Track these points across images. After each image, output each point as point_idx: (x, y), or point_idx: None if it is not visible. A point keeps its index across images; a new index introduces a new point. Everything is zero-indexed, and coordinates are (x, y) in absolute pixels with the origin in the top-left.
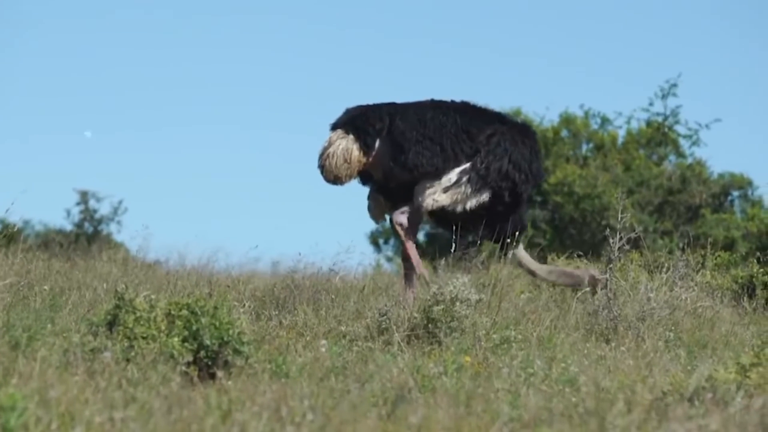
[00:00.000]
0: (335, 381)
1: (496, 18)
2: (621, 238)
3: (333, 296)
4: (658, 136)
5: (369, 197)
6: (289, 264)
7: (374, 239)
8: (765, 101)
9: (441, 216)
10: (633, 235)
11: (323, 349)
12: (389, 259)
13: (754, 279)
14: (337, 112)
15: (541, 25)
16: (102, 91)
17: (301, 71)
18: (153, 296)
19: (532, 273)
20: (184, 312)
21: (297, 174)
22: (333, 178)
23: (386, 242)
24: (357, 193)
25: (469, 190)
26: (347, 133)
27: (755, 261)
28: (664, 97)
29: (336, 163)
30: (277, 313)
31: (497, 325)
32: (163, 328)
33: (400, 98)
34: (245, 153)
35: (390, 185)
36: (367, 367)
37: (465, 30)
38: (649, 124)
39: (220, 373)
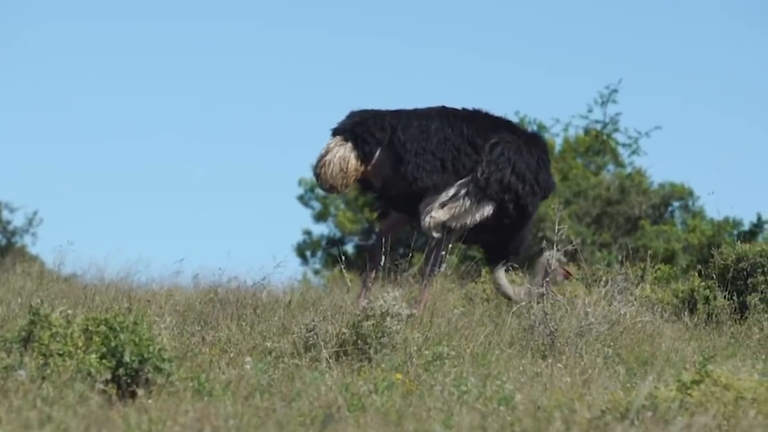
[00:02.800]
0: (260, 399)
1: (428, 18)
2: (558, 251)
3: (258, 311)
4: (597, 144)
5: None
6: (211, 277)
7: (301, 251)
8: (707, 108)
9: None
10: (570, 247)
11: (248, 366)
12: (317, 272)
13: (695, 293)
14: (264, 122)
15: (475, 27)
16: (15, 99)
17: (219, 77)
18: (69, 311)
19: (508, 297)
20: (103, 328)
21: (219, 185)
22: (329, 186)
23: (313, 255)
24: (282, 204)
25: (468, 204)
26: (346, 140)
27: (696, 274)
28: (603, 103)
29: (332, 171)
30: (199, 328)
31: (429, 341)
32: (80, 344)
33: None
34: (164, 164)
35: (390, 194)
36: (294, 384)
37: (391, 31)
38: (587, 132)
39: (140, 392)
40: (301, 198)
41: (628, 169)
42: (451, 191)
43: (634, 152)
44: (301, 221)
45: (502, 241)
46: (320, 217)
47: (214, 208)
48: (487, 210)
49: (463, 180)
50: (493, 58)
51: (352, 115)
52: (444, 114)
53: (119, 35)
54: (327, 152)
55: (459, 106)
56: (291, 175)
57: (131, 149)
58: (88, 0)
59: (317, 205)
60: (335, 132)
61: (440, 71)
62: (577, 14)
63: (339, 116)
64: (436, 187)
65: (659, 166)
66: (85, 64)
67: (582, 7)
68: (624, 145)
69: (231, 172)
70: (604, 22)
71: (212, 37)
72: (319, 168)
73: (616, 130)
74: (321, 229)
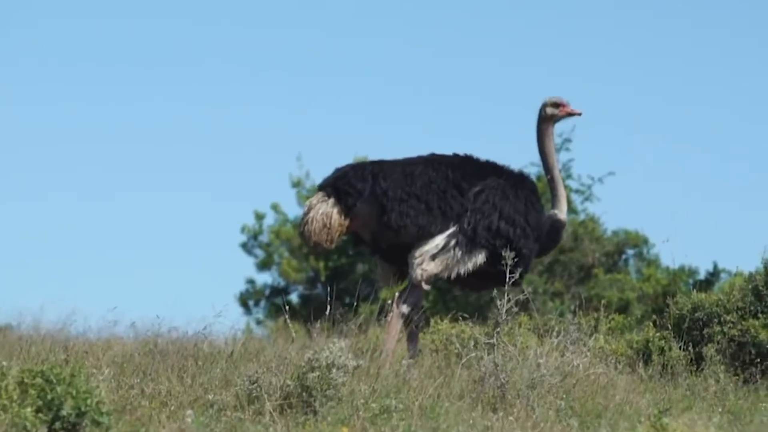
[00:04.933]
0: None
1: (372, 57)
2: (509, 300)
3: (199, 362)
4: (549, 191)
5: (375, 260)
6: (150, 327)
7: (244, 301)
8: (661, 153)
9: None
10: (521, 296)
11: (189, 420)
12: (260, 322)
13: (650, 344)
14: (207, 167)
15: (419, 65)
16: None
17: (159, 121)
18: (4, 363)
19: None
20: (39, 380)
21: (159, 231)
22: (313, 244)
23: (257, 304)
24: (224, 252)
25: (459, 254)
26: (328, 196)
27: (651, 324)
28: (556, 151)
29: (315, 228)
30: (138, 380)
31: (377, 393)
32: (15, 397)
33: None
34: (102, 210)
35: (381, 247)
36: None
37: (332, 72)
38: (539, 178)
39: None
40: (244, 246)
41: (581, 216)
42: (441, 243)
43: (587, 199)
44: (243, 270)
45: (496, 284)
46: (264, 265)
47: (154, 256)
48: (480, 258)
49: (451, 230)
50: (447, 102)
51: (336, 170)
52: (428, 160)
53: (55, 70)
54: (309, 209)
55: (449, 153)
56: (234, 223)
57: (67, 196)
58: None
59: (261, 253)
60: (319, 188)
61: (388, 115)
62: (530, 59)
63: (285, 162)
64: (422, 231)
65: (613, 212)
66: (17, 108)
67: (535, 52)
68: (577, 191)
69: (171, 218)
70: (559, 67)
71: (153, 79)
72: (302, 226)
73: (569, 176)
74: (264, 278)
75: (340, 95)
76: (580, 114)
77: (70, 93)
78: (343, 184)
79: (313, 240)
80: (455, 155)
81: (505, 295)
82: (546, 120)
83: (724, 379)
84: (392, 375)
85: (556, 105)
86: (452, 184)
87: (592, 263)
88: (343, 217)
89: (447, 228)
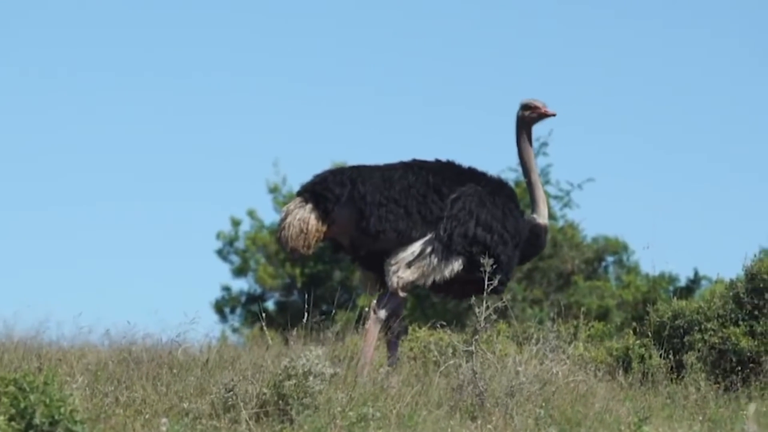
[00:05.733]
0: None
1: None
2: (487, 307)
3: (174, 370)
4: (527, 197)
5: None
6: (125, 335)
7: (219, 308)
8: (641, 159)
9: (433, 288)
10: (500, 304)
11: (164, 428)
12: (235, 330)
13: (629, 351)
14: (181, 173)
15: (396, 71)
16: None
17: (135, 127)
18: None
19: None
20: (11, 388)
21: (134, 238)
22: (290, 249)
23: (232, 311)
24: (199, 258)
25: (435, 261)
26: (306, 201)
27: (631, 332)
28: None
29: (292, 234)
30: (113, 388)
31: (354, 402)
32: None
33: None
34: (76, 216)
35: (360, 254)
36: None
37: (301, 79)
38: (517, 184)
39: None
40: (219, 252)
41: (560, 223)
42: (417, 250)
43: (566, 205)
44: (219, 276)
45: (478, 291)
46: (239, 272)
47: (129, 263)
48: (456, 265)
49: (428, 238)
50: (425, 107)
51: (316, 176)
52: (409, 165)
53: (25, 78)
54: (287, 215)
55: (430, 158)
56: (209, 229)
57: (40, 203)
58: None
59: (236, 260)
60: (297, 193)
61: (366, 120)
62: (509, 63)
63: (261, 168)
64: (402, 236)
65: (592, 219)
66: None
67: (514, 57)
68: (555, 197)
69: (147, 224)
70: (538, 71)
71: (128, 86)
72: (279, 231)
73: (547, 182)
74: (240, 285)
75: (318, 100)
76: (554, 115)
77: (43, 100)
78: (321, 189)
79: (290, 246)
80: (437, 161)
81: (484, 302)
82: (522, 122)
83: (705, 387)
84: (369, 383)
85: (530, 107)
86: (432, 189)
87: (571, 270)
88: (320, 223)
89: (426, 233)
